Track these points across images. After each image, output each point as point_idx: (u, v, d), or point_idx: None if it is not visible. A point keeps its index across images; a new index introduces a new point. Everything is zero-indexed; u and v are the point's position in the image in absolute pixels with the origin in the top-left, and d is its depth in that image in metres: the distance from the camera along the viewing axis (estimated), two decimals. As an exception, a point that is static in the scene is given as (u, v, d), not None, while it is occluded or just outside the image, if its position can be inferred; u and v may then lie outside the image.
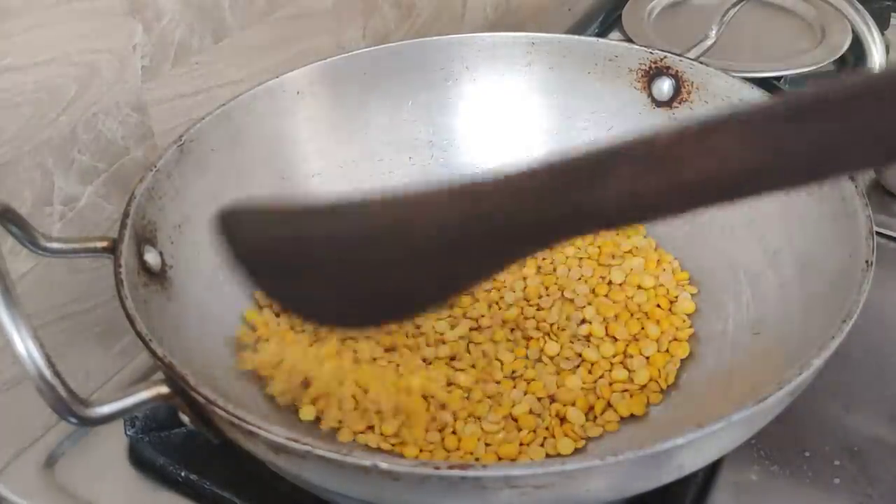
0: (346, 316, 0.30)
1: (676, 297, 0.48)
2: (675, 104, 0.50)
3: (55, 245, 0.37)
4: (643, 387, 0.43)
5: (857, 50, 0.71)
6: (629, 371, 0.44)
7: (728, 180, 0.24)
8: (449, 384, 0.44)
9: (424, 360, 0.45)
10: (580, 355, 0.45)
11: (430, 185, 0.28)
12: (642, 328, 0.46)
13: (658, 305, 0.47)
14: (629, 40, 0.74)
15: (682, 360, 0.45)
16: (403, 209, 0.29)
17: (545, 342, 0.46)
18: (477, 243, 0.27)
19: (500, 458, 0.40)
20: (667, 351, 0.45)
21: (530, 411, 0.42)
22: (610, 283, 0.49)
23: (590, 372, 0.44)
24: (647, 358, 0.44)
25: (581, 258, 0.50)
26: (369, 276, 0.29)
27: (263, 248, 0.30)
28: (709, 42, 0.55)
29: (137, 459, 0.43)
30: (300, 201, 0.30)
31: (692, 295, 0.47)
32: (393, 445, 0.41)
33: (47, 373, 0.29)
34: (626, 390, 0.43)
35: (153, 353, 0.32)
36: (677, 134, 0.24)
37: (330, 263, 0.29)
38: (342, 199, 0.30)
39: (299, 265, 0.30)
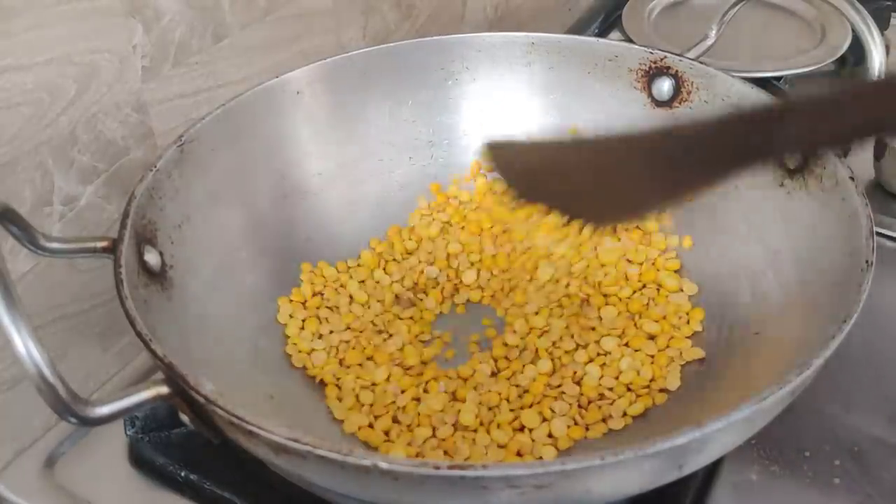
0: (583, 212, 0.37)
1: (677, 288, 0.48)
2: (675, 104, 0.50)
3: (55, 245, 0.37)
4: (647, 388, 0.43)
5: (857, 50, 0.71)
6: (633, 371, 0.44)
7: (872, 126, 0.32)
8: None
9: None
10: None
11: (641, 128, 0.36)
12: (640, 327, 0.46)
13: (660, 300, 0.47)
14: (629, 40, 0.74)
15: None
16: (624, 142, 0.37)
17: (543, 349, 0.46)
18: (686, 165, 0.34)
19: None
20: (668, 347, 0.45)
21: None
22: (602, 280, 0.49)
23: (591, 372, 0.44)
24: (652, 357, 0.45)
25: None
26: (602, 186, 0.37)
27: (521, 168, 0.39)
28: (709, 42, 0.55)
29: (137, 459, 0.43)
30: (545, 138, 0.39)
31: (691, 297, 0.48)
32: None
33: (47, 373, 0.29)
34: (630, 389, 0.43)
35: (153, 353, 0.32)
36: (838, 94, 0.32)
37: (571, 176, 0.37)
38: (577, 137, 0.40)
39: (548, 178, 0.38)
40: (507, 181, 0.38)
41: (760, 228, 0.45)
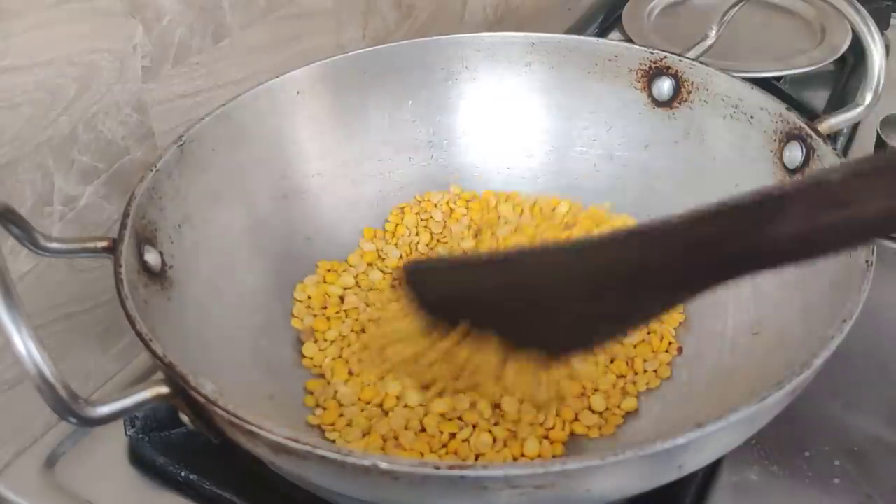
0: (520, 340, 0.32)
1: None
2: (675, 104, 0.50)
3: (55, 245, 0.37)
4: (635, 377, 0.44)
5: (857, 50, 0.71)
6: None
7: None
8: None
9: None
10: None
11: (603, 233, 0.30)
12: None
13: None
14: (629, 40, 0.74)
15: (681, 360, 0.45)
16: (578, 258, 0.31)
17: None
18: (646, 290, 0.29)
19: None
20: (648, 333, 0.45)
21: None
22: None
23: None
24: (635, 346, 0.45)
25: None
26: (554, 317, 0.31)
27: (443, 297, 0.34)
28: (709, 42, 0.55)
29: (137, 459, 0.43)
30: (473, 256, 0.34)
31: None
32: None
33: (47, 373, 0.29)
34: (621, 385, 0.44)
35: (153, 353, 0.32)
36: (848, 174, 0.26)
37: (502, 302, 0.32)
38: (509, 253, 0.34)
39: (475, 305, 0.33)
40: (425, 309, 0.33)
41: (760, 228, 0.45)
